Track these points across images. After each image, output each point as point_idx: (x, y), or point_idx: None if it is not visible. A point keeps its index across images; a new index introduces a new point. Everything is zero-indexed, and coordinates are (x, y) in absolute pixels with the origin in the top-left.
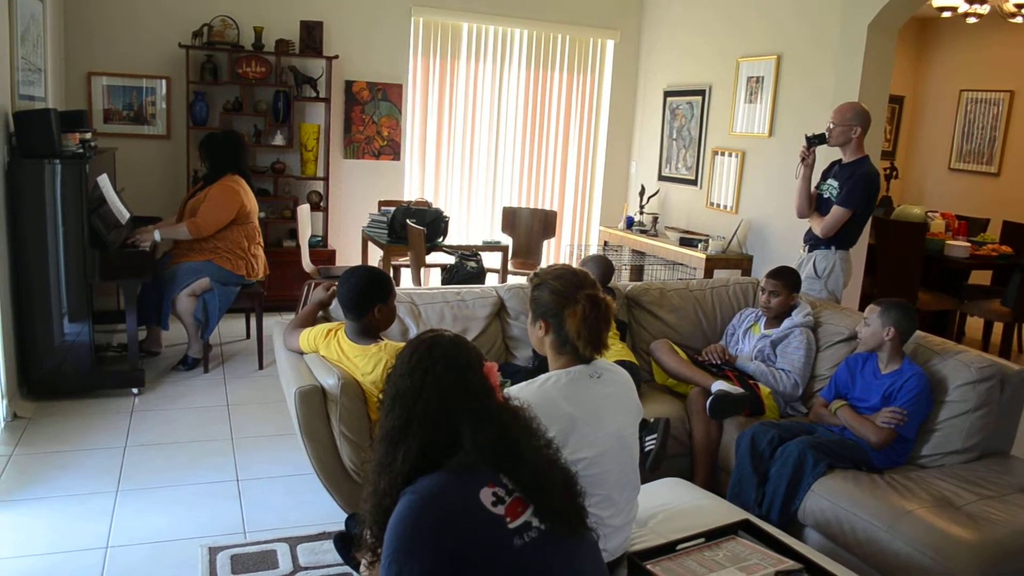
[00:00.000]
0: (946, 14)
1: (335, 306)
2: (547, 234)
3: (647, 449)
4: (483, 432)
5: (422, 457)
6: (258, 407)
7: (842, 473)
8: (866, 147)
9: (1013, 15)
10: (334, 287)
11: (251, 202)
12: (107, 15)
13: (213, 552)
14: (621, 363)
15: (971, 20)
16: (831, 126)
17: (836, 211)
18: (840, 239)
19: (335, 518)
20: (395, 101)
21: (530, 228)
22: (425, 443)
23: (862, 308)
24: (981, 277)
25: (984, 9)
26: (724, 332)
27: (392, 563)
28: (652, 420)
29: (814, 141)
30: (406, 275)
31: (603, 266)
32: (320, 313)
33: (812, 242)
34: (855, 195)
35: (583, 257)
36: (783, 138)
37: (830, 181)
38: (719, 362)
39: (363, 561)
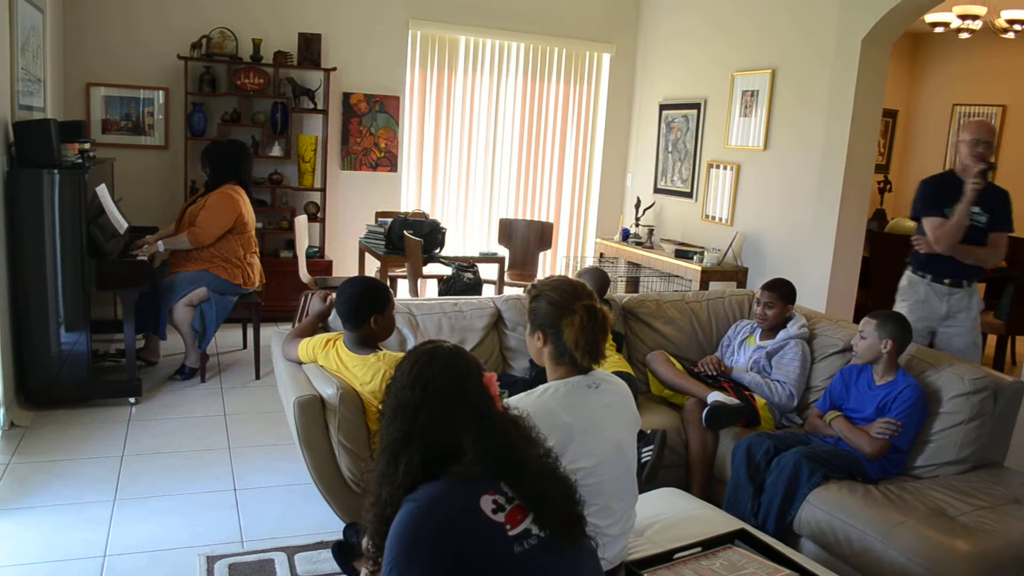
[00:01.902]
0: (939, 29)
1: (333, 316)
2: (543, 246)
3: (643, 460)
4: (484, 441)
5: (423, 467)
6: (255, 417)
7: (837, 483)
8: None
9: (1005, 30)
10: (332, 296)
11: (249, 212)
12: (106, 26)
13: (211, 561)
14: (618, 374)
15: (964, 35)
16: (984, 147)
17: (1003, 237)
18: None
19: (333, 527)
20: (392, 113)
21: (527, 240)
22: (426, 454)
23: (856, 320)
24: None
25: (976, 24)
26: (720, 344)
27: (392, 570)
28: (649, 432)
29: (987, 171)
30: (403, 286)
31: (599, 278)
32: (319, 324)
33: (968, 276)
34: (1010, 216)
35: (579, 269)
36: (778, 151)
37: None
38: (715, 373)
39: (364, 570)
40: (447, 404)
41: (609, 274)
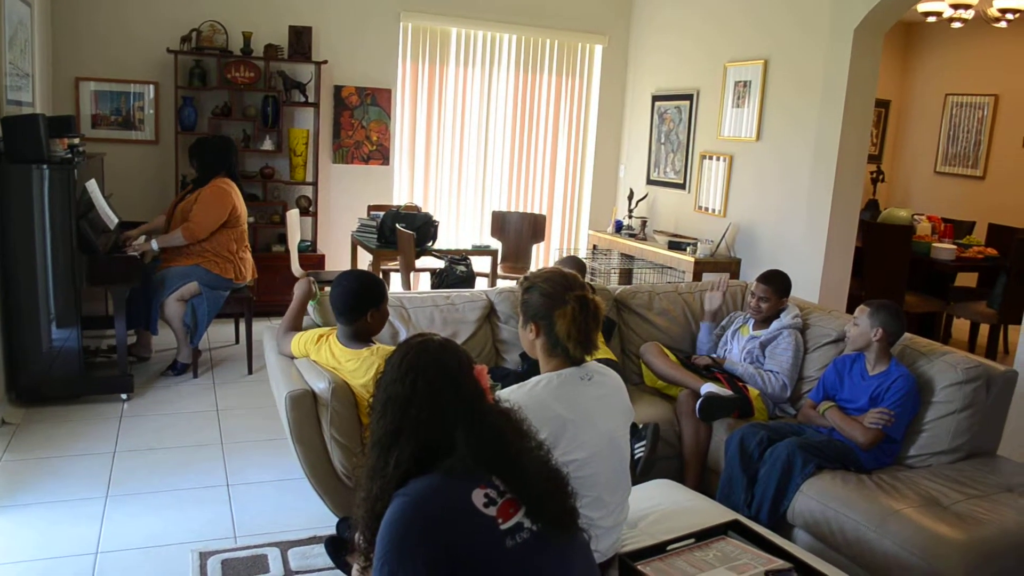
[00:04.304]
0: (931, 19)
1: (311, 307)
2: (536, 238)
3: (636, 457)
4: (475, 435)
5: (414, 461)
6: (248, 412)
7: (830, 474)
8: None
9: (997, 20)
10: (312, 279)
11: (241, 205)
12: (95, 20)
13: (204, 557)
14: (603, 362)
15: (956, 25)
16: None
17: None
18: None
19: (326, 522)
20: (384, 106)
21: (519, 232)
22: (417, 447)
23: (850, 310)
24: (967, 279)
25: (969, 14)
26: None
27: (384, 565)
28: (641, 427)
29: None
30: (396, 279)
31: (574, 265)
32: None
33: None
34: None
35: (557, 259)
36: (771, 142)
37: None
38: (709, 363)
39: (356, 565)
40: (437, 397)
41: (602, 266)
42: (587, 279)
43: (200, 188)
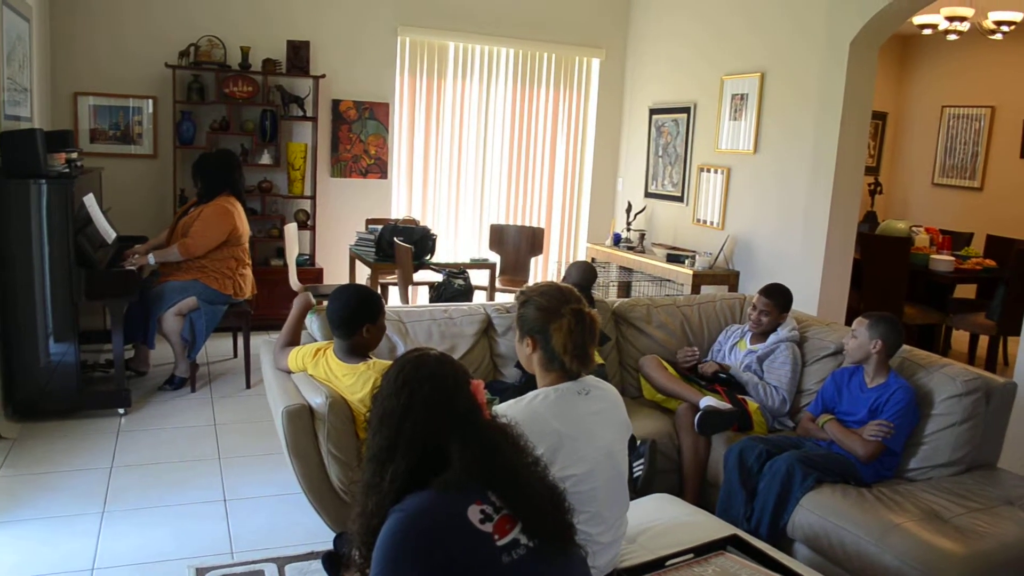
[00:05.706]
0: (927, 31)
1: (309, 318)
2: (535, 251)
3: (635, 476)
4: (471, 450)
5: (410, 476)
6: (245, 426)
7: (830, 487)
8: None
9: (992, 32)
10: (309, 293)
11: (243, 224)
12: (93, 35)
13: (200, 573)
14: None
15: (952, 37)
16: None
17: None
18: None
19: (323, 537)
20: (382, 120)
21: (518, 245)
22: (413, 463)
23: (848, 323)
24: (966, 291)
25: (964, 26)
26: (711, 349)
27: None
28: (639, 443)
29: None
30: (394, 293)
31: (583, 270)
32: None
33: None
34: None
35: (568, 264)
36: (768, 154)
37: None
38: (715, 370)
39: None
40: (433, 412)
41: (601, 279)
42: (600, 296)
43: (204, 204)
